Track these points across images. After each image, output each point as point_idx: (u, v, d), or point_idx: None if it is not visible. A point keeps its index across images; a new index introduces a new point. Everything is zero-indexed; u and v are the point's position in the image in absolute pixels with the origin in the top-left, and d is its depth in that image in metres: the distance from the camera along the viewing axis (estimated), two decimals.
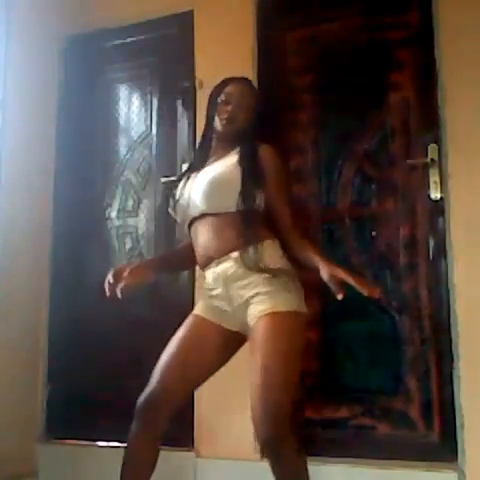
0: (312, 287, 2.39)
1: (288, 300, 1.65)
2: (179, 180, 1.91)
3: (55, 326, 2.84)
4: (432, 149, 2.26)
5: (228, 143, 1.85)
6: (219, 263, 1.72)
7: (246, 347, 1.75)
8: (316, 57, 2.52)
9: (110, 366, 2.63)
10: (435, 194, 2.25)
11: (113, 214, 2.85)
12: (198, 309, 1.83)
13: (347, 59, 2.47)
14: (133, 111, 2.89)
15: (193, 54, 2.66)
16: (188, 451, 2.43)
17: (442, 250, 2.23)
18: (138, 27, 2.87)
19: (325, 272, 1.59)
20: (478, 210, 2.16)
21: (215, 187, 1.73)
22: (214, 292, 1.76)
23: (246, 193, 1.70)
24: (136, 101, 2.88)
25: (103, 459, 2.48)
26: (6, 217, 2.63)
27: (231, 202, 1.71)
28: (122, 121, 2.91)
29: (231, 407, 2.36)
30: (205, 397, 2.41)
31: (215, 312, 1.77)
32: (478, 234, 2.15)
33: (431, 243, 2.27)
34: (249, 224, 1.69)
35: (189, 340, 1.75)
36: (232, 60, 2.56)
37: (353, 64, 2.47)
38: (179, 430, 2.49)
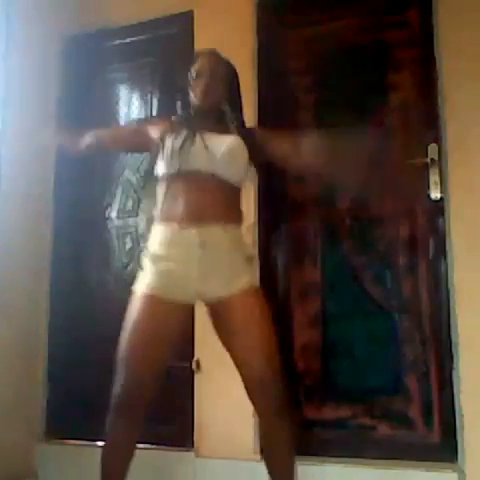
0: (313, 288, 2.41)
1: (257, 278, 1.83)
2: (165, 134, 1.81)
3: (55, 326, 2.84)
4: (432, 149, 2.26)
5: (208, 116, 1.83)
6: (208, 225, 1.69)
7: None
8: (316, 57, 2.52)
9: (110, 366, 2.63)
10: (435, 194, 2.25)
11: (113, 214, 2.85)
12: (149, 287, 1.70)
13: (347, 59, 2.48)
14: (133, 111, 2.89)
15: (193, 54, 2.66)
16: (188, 451, 2.43)
17: (442, 250, 2.23)
18: (138, 27, 2.87)
19: None
20: (478, 210, 2.16)
21: (233, 156, 1.74)
22: (183, 257, 1.68)
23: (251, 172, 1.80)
24: (136, 101, 2.88)
25: None
26: (6, 217, 2.62)
27: (239, 175, 1.78)
28: (122, 121, 2.91)
29: (231, 407, 2.36)
30: (205, 397, 2.41)
31: (168, 285, 1.68)
32: (478, 234, 2.15)
33: (431, 243, 2.27)
34: (239, 202, 1.81)
35: (150, 325, 1.69)
36: (232, 60, 2.55)
37: (353, 64, 2.47)
38: (179, 430, 2.50)
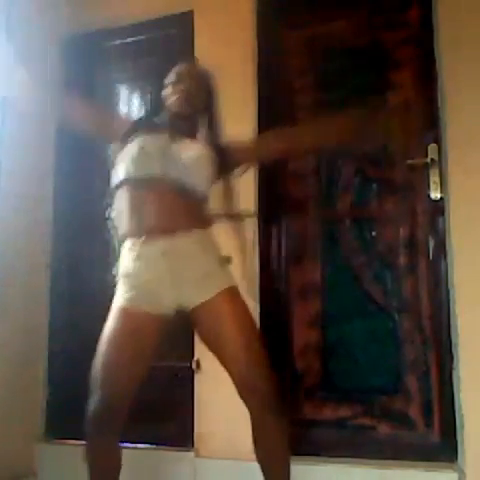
0: (313, 287, 2.41)
1: (232, 278, 1.76)
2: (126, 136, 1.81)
3: (55, 326, 2.83)
4: (432, 149, 2.26)
5: (182, 124, 1.82)
6: (171, 234, 1.68)
7: None
8: (316, 57, 2.52)
9: None
10: (435, 194, 2.25)
11: (113, 214, 2.84)
12: (124, 301, 1.71)
13: (347, 59, 2.48)
14: (133, 111, 2.89)
15: (193, 54, 2.66)
16: (187, 451, 2.43)
17: (442, 250, 2.23)
18: (138, 27, 2.87)
19: None
20: (478, 210, 2.16)
21: (198, 165, 1.74)
22: (151, 269, 1.68)
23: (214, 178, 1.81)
24: (136, 101, 2.88)
25: None
26: (5, 217, 2.62)
27: (204, 184, 1.77)
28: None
29: (231, 407, 2.36)
30: (205, 397, 2.41)
31: (142, 298, 1.68)
32: (478, 234, 2.15)
33: (431, 243, 2.27)
34: (204, 206, 1.80)
35: (125, 337, 1.67)
36: (232, 60, 2.55)
37: (353, 64, 2.47)
38: (178, 430, 2.50)
